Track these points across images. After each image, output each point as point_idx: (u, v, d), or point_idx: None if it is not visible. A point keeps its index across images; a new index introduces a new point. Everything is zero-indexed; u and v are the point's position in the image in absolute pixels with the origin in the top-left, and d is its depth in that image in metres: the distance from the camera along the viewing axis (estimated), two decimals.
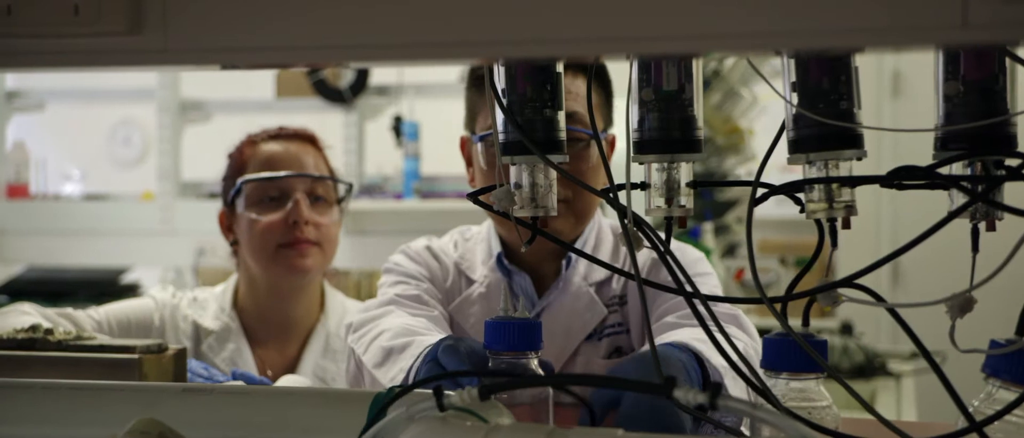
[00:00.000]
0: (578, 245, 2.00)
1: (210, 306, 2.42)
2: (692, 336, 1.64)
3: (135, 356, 1.84)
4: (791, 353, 1.28)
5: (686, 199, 1.36)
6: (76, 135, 7.34)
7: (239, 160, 2.40)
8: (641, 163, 1.36)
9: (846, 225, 1.28)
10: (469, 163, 2.06)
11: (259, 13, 1.01)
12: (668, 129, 1.34)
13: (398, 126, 5.01)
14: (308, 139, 2.43)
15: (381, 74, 5.13)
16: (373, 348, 1.76)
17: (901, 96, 6.05)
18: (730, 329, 1.73)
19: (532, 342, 1.43)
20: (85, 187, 6.24)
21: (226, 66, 1.04)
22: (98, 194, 6.05)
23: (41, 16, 1.02)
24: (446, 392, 1.19)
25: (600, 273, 1.98)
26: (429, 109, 5.05)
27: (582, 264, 1.99)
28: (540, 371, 1.44)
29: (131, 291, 5.35)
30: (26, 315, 2.16)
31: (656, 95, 1.34)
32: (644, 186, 1.36)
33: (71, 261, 5.64)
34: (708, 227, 4.36)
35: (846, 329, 4.33)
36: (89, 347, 1.88)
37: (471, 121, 2.02)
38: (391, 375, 1.67)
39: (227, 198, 2.41)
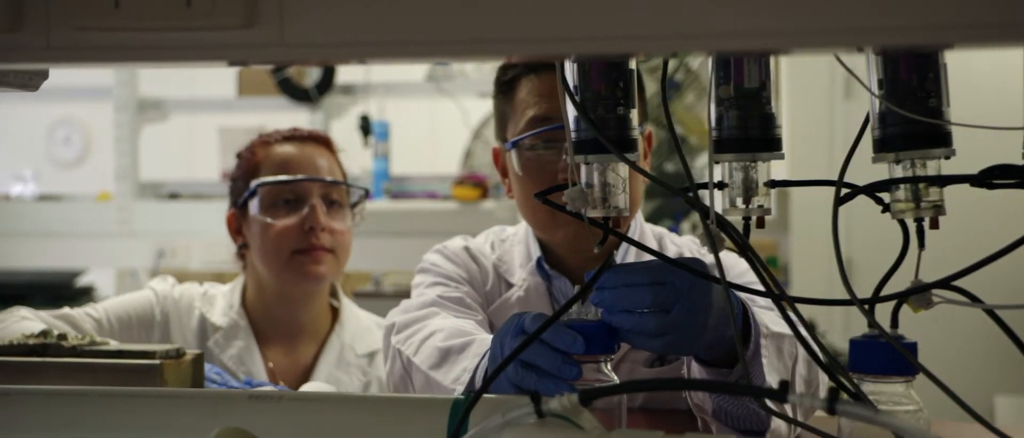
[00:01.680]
0: (617, 253, 1.97)
1: (218, 302, 2.36)
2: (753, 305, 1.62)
3: (156, 362, 1.80)
4: (879, 355, 1.26)
5: (764, 199, 1.34)
6: (24, 134, 7.19)
7: (252, 161, 2.34)
8: (718, 162, 1.33)
9: (934, 225, 1.26)
10: (504, 174, 2.02)
11: (378, 4, 0.98)
12: (748, 127, 1.32)
13: (366, 125, 4.96)
14: (322, 141, 2.38)
15: (347, 73, 5.07)
16: (426, 349, 1.73)
17: (852, 98, 6.09)
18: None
19: (609, 346, 1.40)
20: (38, 187, 6.11)
21: (344, 61, 1.00)
22: (52, 194, 5.93)
23: (151, 9, 0.98)
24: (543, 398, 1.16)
25: None
26: (397, 109, 5.00)
27: None
28: (614, 376, 1.42)
29: (86, 294, 5.25)
30: (26, 320, 2.10)
31: (736, 93, 1.32)
32: (722, 185, 1.33)
33: (23, 264, 5.51)
34: (685, 227, 4.35)
35: (809, 328, 4.33)
36: (107, 352, 1.83)
37: (502, 129, 1.98)
38: (452, 376, 1.64)
39: (237, 200, 2.35)
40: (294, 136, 2.36)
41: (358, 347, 2.37)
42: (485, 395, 1.19)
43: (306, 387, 2.05)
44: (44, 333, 1.81)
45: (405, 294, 2.05)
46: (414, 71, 5.16)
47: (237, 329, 2.32)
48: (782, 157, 1.33)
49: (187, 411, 1.32)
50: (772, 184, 1.34)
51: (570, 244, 1.93)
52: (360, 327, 2.40)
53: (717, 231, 1.30)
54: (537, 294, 1.95)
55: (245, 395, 1.35)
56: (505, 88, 1.96)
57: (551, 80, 1.84)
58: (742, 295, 1.51)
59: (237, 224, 2.35)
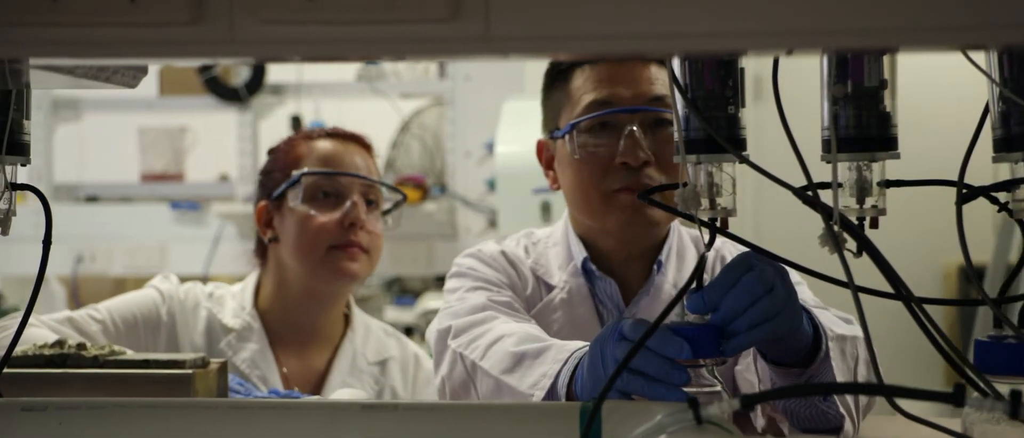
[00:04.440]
0: (663, 256, 1.96)
1: (228, 303, 2.30)
2: (814, 308, 1.62)
3: (188, 371, 1.73)
4: (1007, 356, 1.26)
5: (879, 199, 1.33)
6: None
7: (292, 154, 2.31)
8: (828, 161, 1.32)
9: None
10: (549, 166, 2.01)
11: None
12: (866, 127, 1.31)
13: (297, 126, 4.86)
14: (362, 143, 2.37)
15: (278, 72, 4.96)
16: (497, 353, 1.70)
17: (761, 100, 6.19)
18: (841, 317, 1.71)
19: (716, 349, 1.38)
20: None
21: (548, 55, 0.96)
22: None
23: (348, 2, 0.93)
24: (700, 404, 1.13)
25: None
26: (331, 109, 4.91)
27: (671, 271, 1.94)
28: (720, 380, 1.40)
29: None
30: (33, 327, 2.00)
31: (855, 91, 1.30)
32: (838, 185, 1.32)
33: None
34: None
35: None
36: (133, 362, 1.76)
37: (552, 119, 1.96)
38: (529, 381, 1.61)
39: (271, 191, 2.29)
40: (336, 134, 2.36)
41: (369, 354, 2.34)
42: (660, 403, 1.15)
43: (338, 395, 2.00)
44: (59, 343, 1.73)
45: None
46: (346, 71, 5.07)
47: (251, 331, 2.27)
48: (898, 156, 1.32)
49: (292, 422, 1.26)
50: (886, 184, 1.33)
51: (621, 232, 1.91)
52: (370, 334, 2.37)
53: (840, 231, 1.28)
54: (580, 296, 1.93)
55: (359, 407, 1.29)
56: (559, 78, 1.96)
57: (608, 68, 1.86)
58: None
59: (268, 217, 2.31)
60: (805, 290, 1.90)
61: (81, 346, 1.75)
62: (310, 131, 2.38)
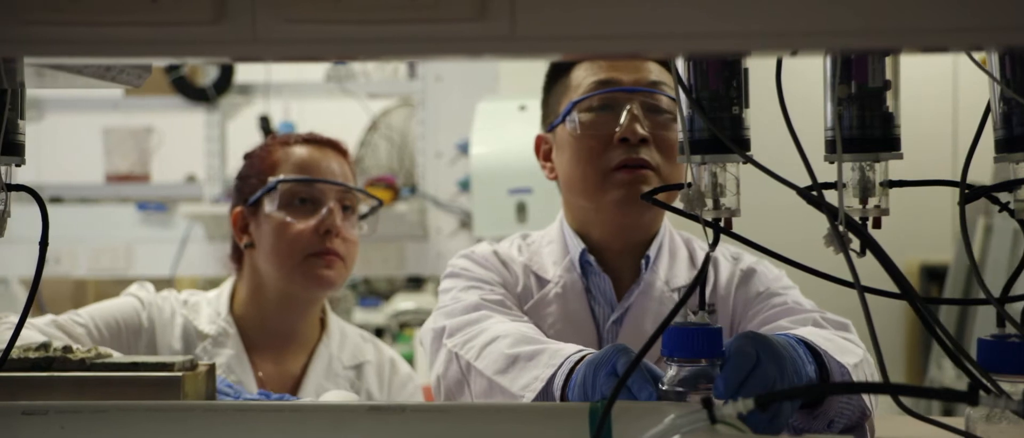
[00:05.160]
0: (652, 251, 1.97)
1: (203, 309, 2.29)
2: (817, 334, 1.63)
3: (178, 374, 1.71)
4: (1012, 355, 1.26)
5: (882, 199, 1.33)
6: None
7: (268, 160, 2.29)
8: (832, 162, 1.32)
9: None
10: (546, 158, 2.03)
11: None
12: (869, 127, 1.31)
13: (267, 126, 4.83)
14: (338, 148, 2.35)
15: (246, 72, 4.92)
16: (491, 354, 1.71)
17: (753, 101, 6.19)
18: (841, 335, 1.72)
19: (716, 348, 1.37)
20: None
21: (574, 55, 0.96)
22: None
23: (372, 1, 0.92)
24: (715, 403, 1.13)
25: (683, 279, 1.96)
26: (301, 109, 4.88)
27: (662, 268, 1.96)
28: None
29: None
30: (12, 328, 1.98)
31: (859, 92, 1.31)
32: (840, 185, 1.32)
33: None
34: None
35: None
36: (121, 365, 1.74)
37: (554, 112, 2.00)
38: (521, 383, 1.62)
39: (248, 197, 2.28)
40: (312, 139, 2.34)
41: (345, 359, 2.34)
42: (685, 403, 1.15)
43: (327, 398, 1.99)
44: (45, 345, 1.71)
45: None
46: (315, 71, 5.04)
47: (226, 337, 2.26)
48: (901, 157, 1.33)
49: (265, 425, 1.24)
50: (889, 184, 1.33)
51: (617, 212, 1.93)
52: (346, 339, 2.37)
53: (845, 232, 1.29)
54: (574, 291, 1.95)
55: (366, 409, 1.28)
56: (559, 72, 1.98)
57: (608, 59, 1.88)
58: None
59: (243, 222, 2.29)
60: (796, 293, 1.91)
61: (67, 349, 1.73)
62: (286, 136, 2.37)
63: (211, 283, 6.09)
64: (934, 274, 5.49)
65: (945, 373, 4.83)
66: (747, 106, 1.36)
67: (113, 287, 6.04)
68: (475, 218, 3.72)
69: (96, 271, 5.00)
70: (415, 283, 4.95)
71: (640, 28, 0.94)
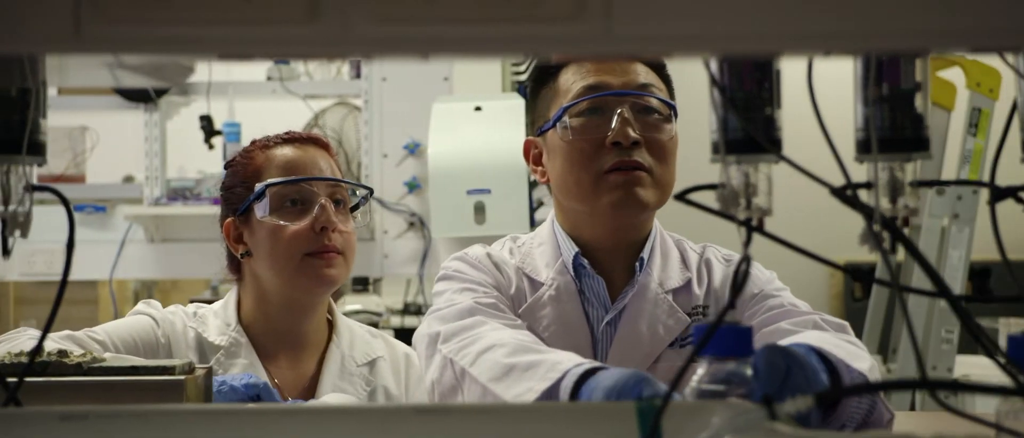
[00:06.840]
0: (644, 253, 1.98)
1: (211, 321, 2.24)
2: (826, 340, 1.65)
3: (180, 377, 1.70)
4: None
5: (912, 199, 1.35)
6: None
7: (251, 166, 2.24)
8: (862, 162, 1.34)
9: None
10: (536, 162, 2.03)
11: None
12: (900, 128, 1.34)
13: (209, 127, 4.76)
14: (320, 143, 2.31)
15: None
16: (486, 362, 1.71)
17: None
18: (845, 338, 1.75)
19: (748, 347, 1.38)
20: None
21: (670, 55, 0.96)
22: None
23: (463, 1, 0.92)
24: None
25: (676, 280, 1.97)
26: (244, 110, 4.81)
27: (656, 270, 1.97)
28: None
29: None
30: (31, 341, 1.95)
31: (891, 93, 1.33)
32: (870, 185, 1.34)
33: None
34: None
35: None
36: (122, 369, 1.71)
37: (543, 117, 2.00)
38: (514, 392, 1.63)
39: (236, 207, 2.24)
40: (293, 138, 2.29)
41: (357, 357, 2.30)
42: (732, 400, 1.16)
43: (328, 399, 1.97)
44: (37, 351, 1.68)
45: None
46: (256, 70, 4.99)
47: (238, 347, 2.22)
48: (930, 157, 1.35)
49: (309, 428, 1.23)
50: (917, 184, 1.36)
51: (612, 214, 1.94)
52: (355, 336, 2.34)
53: (880, 230, 1.30)
54: (568, 293, 1.96)
55: (412, 410, 1.27)
56: (546, 76, 1.99)
57: (595, 62, 1.90)
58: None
59: (237, 232, 2.24)
60: (789, 294, 1.94)
61: (62, 353, 1.70)
62: (266, 140, 2.31)
63: (145, 286, 6.02)
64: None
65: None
66: (779, 107, 1.37)
67: (35, 290, 5.93)
68: (432, 219, 3.70)
69: (29, 275, 4.90)
70: (361, 284, 4.91)
71: (734, 29, 0.95)
